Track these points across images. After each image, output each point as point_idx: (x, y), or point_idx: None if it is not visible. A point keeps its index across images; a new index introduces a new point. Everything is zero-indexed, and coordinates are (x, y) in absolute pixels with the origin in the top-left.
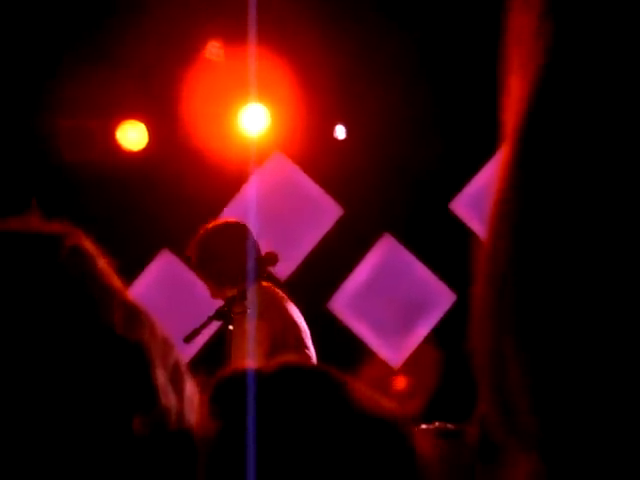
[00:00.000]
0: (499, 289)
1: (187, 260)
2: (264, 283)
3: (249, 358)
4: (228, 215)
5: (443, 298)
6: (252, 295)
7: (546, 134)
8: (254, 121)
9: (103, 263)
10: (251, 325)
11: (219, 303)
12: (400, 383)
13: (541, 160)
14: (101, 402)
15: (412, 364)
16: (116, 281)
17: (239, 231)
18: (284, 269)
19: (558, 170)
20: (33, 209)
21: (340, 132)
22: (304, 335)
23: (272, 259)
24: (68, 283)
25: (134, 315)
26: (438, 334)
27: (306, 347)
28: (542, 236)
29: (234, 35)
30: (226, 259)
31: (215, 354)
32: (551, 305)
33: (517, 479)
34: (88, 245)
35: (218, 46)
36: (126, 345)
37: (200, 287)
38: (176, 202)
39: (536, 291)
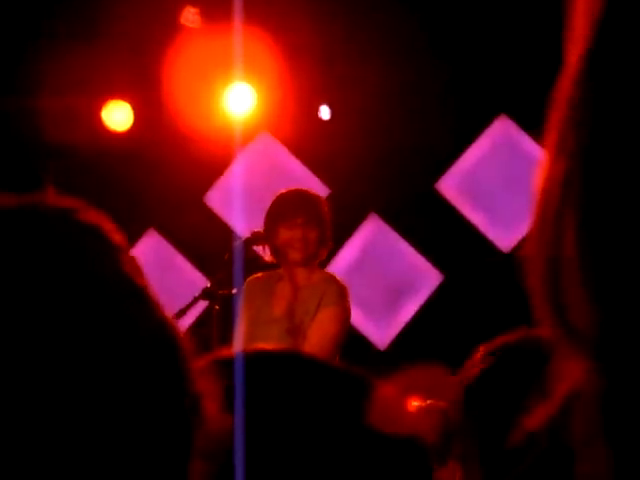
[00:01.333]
0: (565, 187)
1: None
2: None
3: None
4: (214, 196)
5: (430, 278)
6: (329, 280)
7: (617, 49)
8: (240, 101)
9: (117, 238)
10: (329, 312)
11: (204, 283)
12: (413, 405)
13: (612, 73)
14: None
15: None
16: (131, 259)
17: None
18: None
19: (629, 78)
20: (47, 186)
21: (325, 112)
22: None
23: (259, 238)
24: (86, 256)
25: (139, 295)
26: (425, 314)
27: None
28: (613, 136)
29: (219, 13)
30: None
31: (201, 334)
32: (618, 202)
33: (571, 382)
34: (101, 220)
35: (194, 12)
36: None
37: (186, 267)
38: (162, 182)
39: (603, 189)
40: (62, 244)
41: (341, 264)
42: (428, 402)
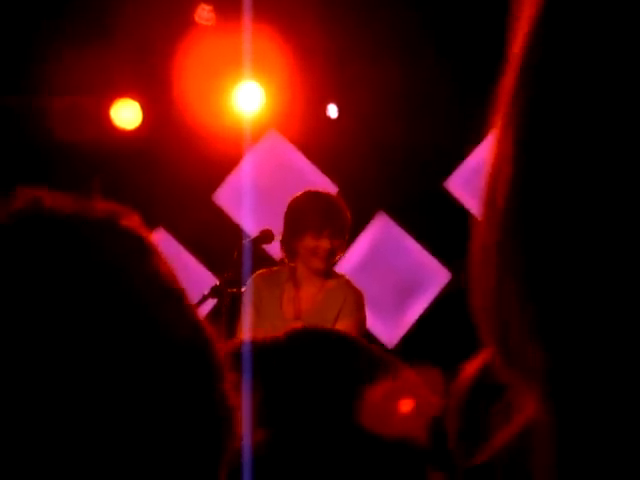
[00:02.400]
0: (504, 226)
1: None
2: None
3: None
4: (223, 194)
5: (437, 276)
6: (346, 287)
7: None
8: (249, 99)
9: (155, 247)
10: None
11: (213, 281)
12: (406, 406)
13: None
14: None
15: (418, 387)
16: (168, 264)
17: None
18: (277, 247)
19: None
20: (95, 189)
21: (332, 111)
22: None
23: (268, 237)
24: (119, 266)
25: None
26: (433, 312)
27: None
28: (551, 166)
29: (229, 12)
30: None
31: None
32: (560, 239)
33: (522, 419)
34: (140, 226)
35: (208, 9)
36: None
37: (194, 265)
38: (170, 181)
39: (544, 225)
40: (106, 249)
41: (349, 262)
42: (420, 403)
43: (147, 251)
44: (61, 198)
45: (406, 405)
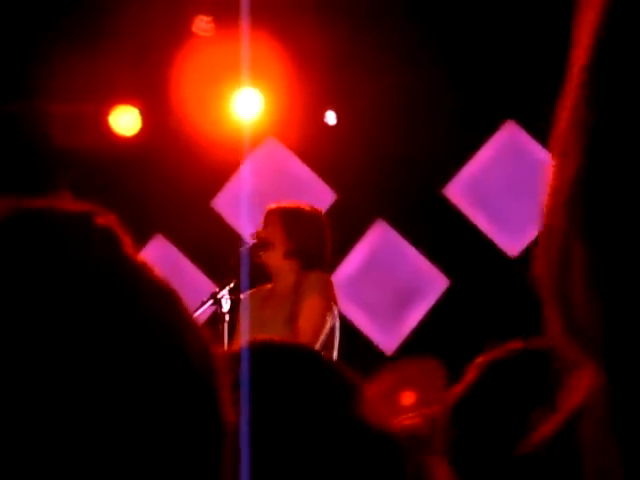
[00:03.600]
0: (571, 195)
1: (273, 215)
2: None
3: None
4: (222, 200)
5: (436, 283)
6: (317, 277)
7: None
8: (247, 106)
9: (129, 243)
10: (311, 302)
11: (211, 288)
12: (408, 398)
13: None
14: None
15: (419, 379)
16: (142, 260)
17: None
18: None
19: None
20: (63, 189)
21: (330, 118)
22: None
23: (266, 244)
24: (100, 262)
25: (166, 295)
26: (432, 320)
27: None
28: (617, 145)
29: (227, 19)
30: (320, 243)
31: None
32: (625, 209)
33: (580, 391)
34: (115, 225)
35: (207, 20)
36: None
37: (193, 272)
38: (169, 187)
39: (609, 195)
40: (78, 248)
41: (348, 270)
42: (422, 395)
43: (122, 249)
44: (37, 199)
45: (408, 397)
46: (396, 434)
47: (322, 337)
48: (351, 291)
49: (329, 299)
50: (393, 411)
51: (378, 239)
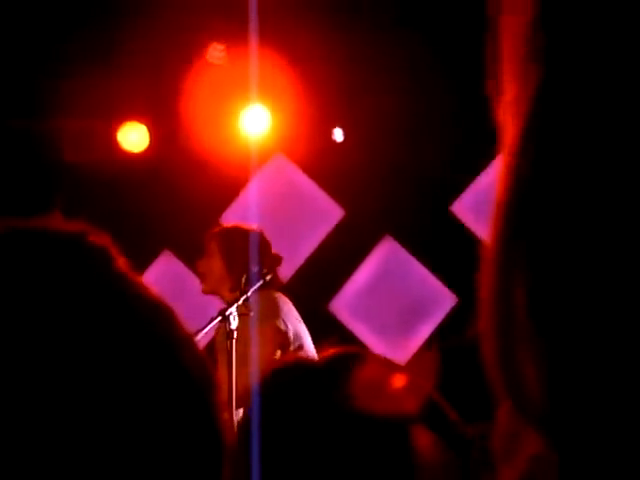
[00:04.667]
0: (511, 240)
1: (212, 237)
2: (268, 288)
3: (254, 361)
4: (230, 217)
5: (444, 300)
6: (255, 299)
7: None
8: (255, 123)
9: (123, 262)
10: (256, 328)
11: (220, 304)
12: (399, 381)
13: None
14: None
15: (411, 363)
16: (137, 278)
17: (259, 238)
18: (285, 271)
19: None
20: (55, 208)
21: (338, 135)
22: (305, 338)
23: (277, 260)
24: (93, 281)
25: (161, 312)
26: (439, 337)
27: (307, 350)
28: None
29: (235, 37)
30: (244, 260)
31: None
32: (564, 254)
33: (523, 461)
34: (109, 244)
35: (220, 49)
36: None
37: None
38: (177, 204)
39: (549, 239)
40: (69, 268)
41: (356, 286)
42: (413, 380)
43: (115, 267)
44: (29, 219)
45: (399, 380)
46: (390, 418)
47: (274, 360)
48: (359, 307)
49: (274, 321)
50: (385, 394)
51: (386, 255)
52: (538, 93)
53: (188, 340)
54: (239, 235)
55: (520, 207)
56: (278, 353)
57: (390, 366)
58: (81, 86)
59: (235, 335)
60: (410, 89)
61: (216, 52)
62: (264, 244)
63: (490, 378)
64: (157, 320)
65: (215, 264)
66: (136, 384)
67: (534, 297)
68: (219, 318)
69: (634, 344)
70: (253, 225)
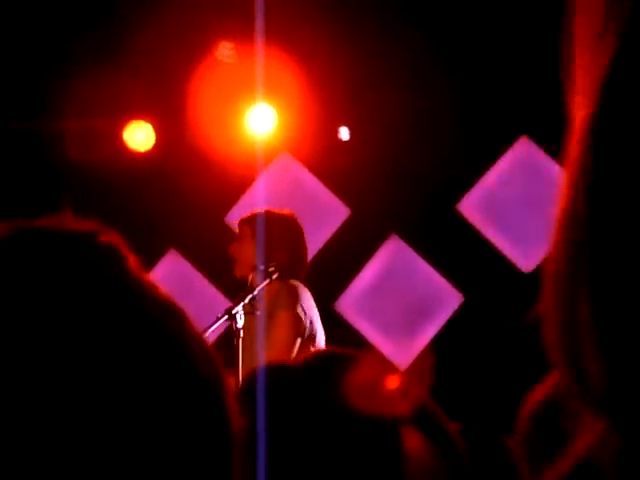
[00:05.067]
0: (575, 256)
1: (243, 224)
2: (287, 278)
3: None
4: (235, 215)
5: (450, 299)
6: (280, 290)
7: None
8: (261, 122)
9: (134, 261)
10: (275, 316)
11: (226, 303)
12: (392, 383)
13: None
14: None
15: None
16: (147, 277)
17: (302, 230)
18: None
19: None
20: (64, 208)
21: (344, 133)
22: (318, 330)
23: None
24: (104, 280)
25: (172, 312)
26: (445, 336)
27: (318, 341)
28: (622, 204)
29: (240, 35)
30: (289, 249)
31: (223, 353)
32: (630, 271)
33: (585, 446)
34: (120, 243)
35: (230, 47)
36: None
37: (207, 287)
38: (183, 203)
39: (614, 258)
40: (80, 267)
41: (361, 285)
42: (407, 383)
43: (125, 266)
44: (40, 218)
45: (392, 382)
46: (381, 419)
47: (294, 349)
48: (364, 306)
49: (294, 308)
50: (376, 395)
51: (392, 254)
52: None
53: (199, 339)
54: (271, 220)
55: (589, 217)
56: (298, 341)
57: (384, 367)
58: (87, 85)
59: (242, 334)
60: (416, 87)
61: (226, 50)
62: (295, 230)
63: (552, 361)
64: (168, 319)
65: (246, 249)
66: (147, 383)
67: (598, 315)
68: (225, 317)
69: None
70: (285, 210)
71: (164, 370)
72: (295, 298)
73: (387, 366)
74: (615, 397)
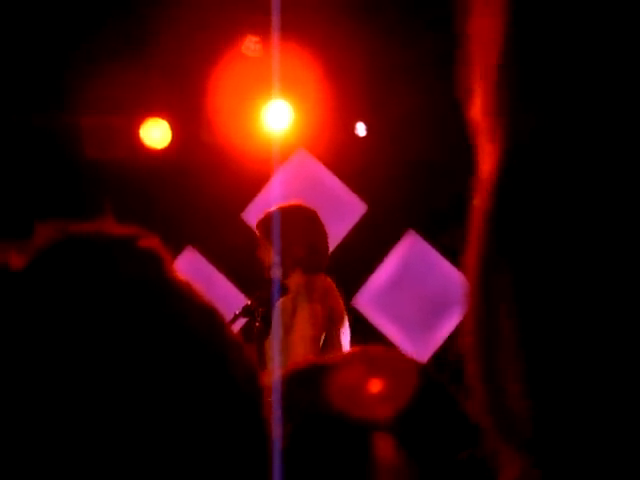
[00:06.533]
0: (491, 265)
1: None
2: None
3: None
4: (252, 212)
5: None
6: (301, 285)
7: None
8: (278, 118)
9: (173, 265)
10: (300, 313)
11: (242, 300)
12: (375, 386)
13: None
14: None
15: (388, 369)
16: (188, 282)
17: (320, 222)
18: None
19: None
20: (106, 212)
21: (361, 129)
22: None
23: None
24: (146, 285)
25: (212, 318)
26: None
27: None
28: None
29: (258, 31)
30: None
31: None
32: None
33: (512, 474)
34: (160, 247)
35: (256, 41)
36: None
37: (224, 284)
38: (200, 200)
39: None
40: (124, 271)
41: (379, 281)
42: (390, 386)
43: (166, 269)
44: (83, 224)
45: (375, 386)
46: (356, 422)
47: (319, 344)
48: (382, 302)
49: (316, 301)
50: (360, 399)
51: (409, 250)
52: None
53: (238, 344)
54: (285, 214)
55: (500, 225)
56: (322, 336)
57: (371, 372)
58: (103, 82)
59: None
60: (434, 81)
61: (252, 44)
62: (311, 221)
63: (473, 401)
64: (209, 325)
65: (267, 251)
66: (187, 389)
67: (520, 318)
68: (243, 314)
69: (625, 370)
70: (299, 202)
71: (205, 376)
72: (316, 292)
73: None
74: (540, 437)
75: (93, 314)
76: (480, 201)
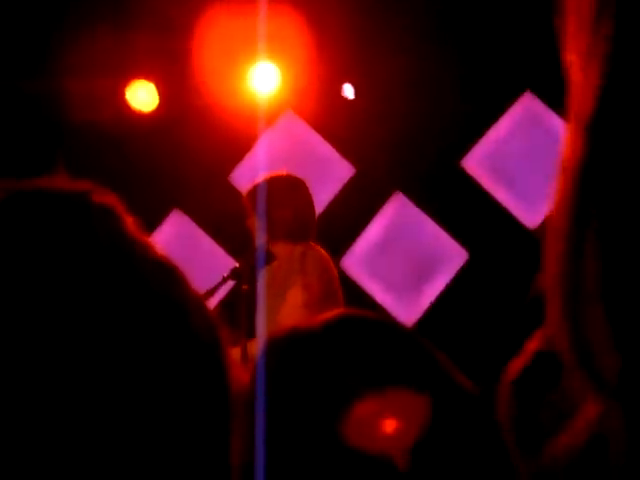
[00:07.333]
0: (581, 217)
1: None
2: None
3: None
4: (240, 174)
5: (455, 256)
6: (308, 253)
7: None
8: (265, 80)
9: (130, 220)
10: (291, 281)
11: (229, 262)
12: (389, 426)
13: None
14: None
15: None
16: (145, 237)
17: (306, 191)
18: None
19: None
20: (58, 168)
21: (349, 91)
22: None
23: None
24: (101, 240)
25: (169, 272)
26: (451, 293)
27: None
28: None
29: None
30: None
31: (229, 314)
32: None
33: (584, 421)
34: (115, 203)
35: None
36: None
37: (212, 247)
38: (187, 162)
39: (622, 209)
40: (75, 227)
41: (366, 243)
42: (404, 425)
43: (121, 226)
44: (34, 179)
45: (390, 425)
46: (375, 456)
47: (309, 311)
48: (369, 265)
49: (311, 274)
50: (374, 438)
51: (396, 212)
52: (611, 51)
53: (197, 301)
54: (271, 183)
55: (594, 173)
56: (312, 304)
57: (388, 407)
58: (88, 44)
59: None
60: (421, 44)
61: None
62: (297, 189)
63: (555, 343)
64: (165, 281)
65: (254, 221)
66: (143, 344)
67: (605, 267)
68: (231, 277)
69: None
70: (285, 171)
71: (161, 331)
72: (307, 262)
73: (393, 404)
74: (625, 384)
75: (42, 269)
76: (572, 139)
